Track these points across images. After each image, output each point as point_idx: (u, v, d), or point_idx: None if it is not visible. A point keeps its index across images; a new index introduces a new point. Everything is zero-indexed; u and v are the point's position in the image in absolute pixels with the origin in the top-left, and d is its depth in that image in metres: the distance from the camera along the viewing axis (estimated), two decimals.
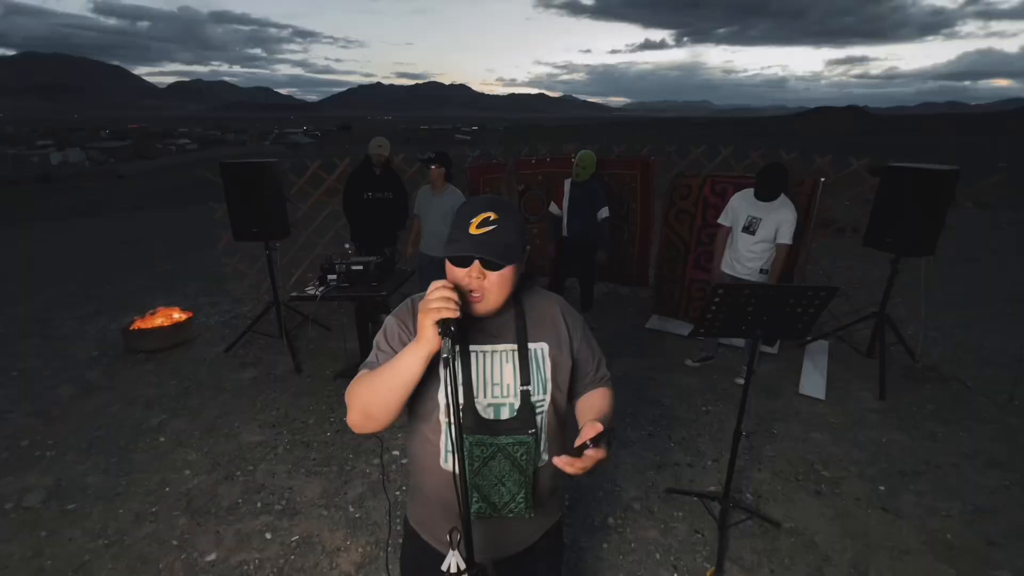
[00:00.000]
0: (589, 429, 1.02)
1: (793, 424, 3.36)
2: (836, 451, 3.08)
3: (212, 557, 2.35)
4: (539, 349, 1.17)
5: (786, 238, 3.47)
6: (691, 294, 4.74)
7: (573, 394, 1.27)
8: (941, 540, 2.42)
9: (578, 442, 1.02)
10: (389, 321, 1.17)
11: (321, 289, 3.57)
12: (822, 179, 4.05)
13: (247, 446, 3.15)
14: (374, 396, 1.05)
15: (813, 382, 3.83)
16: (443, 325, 0.97)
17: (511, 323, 1.16)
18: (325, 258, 3.73)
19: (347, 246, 4.06)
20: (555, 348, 1.18)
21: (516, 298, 1.17)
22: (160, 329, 4.43)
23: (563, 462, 0.99)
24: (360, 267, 3.63)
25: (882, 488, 2.77)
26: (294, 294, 3.71)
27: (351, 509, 2.64)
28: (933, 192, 3.35)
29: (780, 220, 3.47)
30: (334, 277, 3.62)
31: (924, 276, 3.97)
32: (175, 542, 2.43)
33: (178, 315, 4.64)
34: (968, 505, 2.64)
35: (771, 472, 2.91)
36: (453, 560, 1.09)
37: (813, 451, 3.09)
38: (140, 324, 4.44)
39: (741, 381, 3.79)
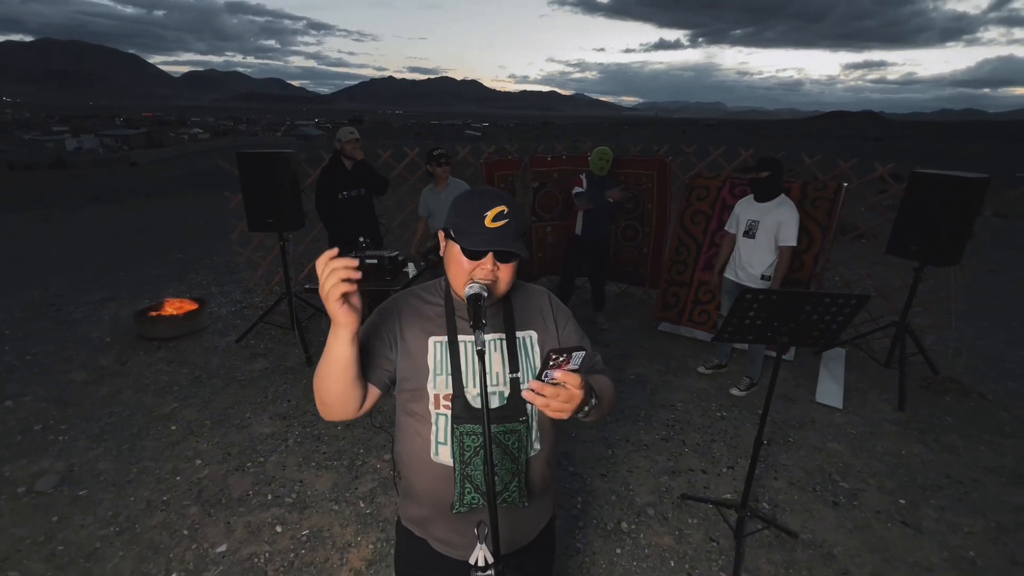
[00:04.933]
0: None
1: (810, 433, 3.30)
2: (854, 462, 3.02)
3: (222, 548, 2.34)
4: (527, 337, 1.18)
5: (789, 240, 3.32)
6: (698, 297, 4.67)
7: None
8: (964, 558, 2.36)
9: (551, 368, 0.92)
10: (371, 317, 1.19)
11: None
12: (844, 184, 3.97)
13: (258, 437, 3.14)
14: (323, 385, 1.05)
15: (829, 391, 3.76)
16: (474, 313, 0.98)
17: (499, 312, 1.17)
18: (339, 251, 3.71)
19: (361, 240, 4.03)
20: (543, 335, 1.20)
21: None
22: (172, 317, 4.44)
23: (534, 387, 0.91)
24: (374, 260, 3.61)
25: (902, 501, 2.71)
26: (307, 286, 3.70)
27: (361, 504, 2.62)
28: (962, 200, 3.26)
29: (780, 220, 3.33)
30: None
31: (954, 286, 3.88)
32: (185, 531, 2.42)
33: (189, 304, 4.65)
34: (991, 522, 2.57)
35: (787, 481, 2.86)
36: (480, 554, 1.08)
37: (831, 461, 3.03)
38: (153, 312, 4.45)
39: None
